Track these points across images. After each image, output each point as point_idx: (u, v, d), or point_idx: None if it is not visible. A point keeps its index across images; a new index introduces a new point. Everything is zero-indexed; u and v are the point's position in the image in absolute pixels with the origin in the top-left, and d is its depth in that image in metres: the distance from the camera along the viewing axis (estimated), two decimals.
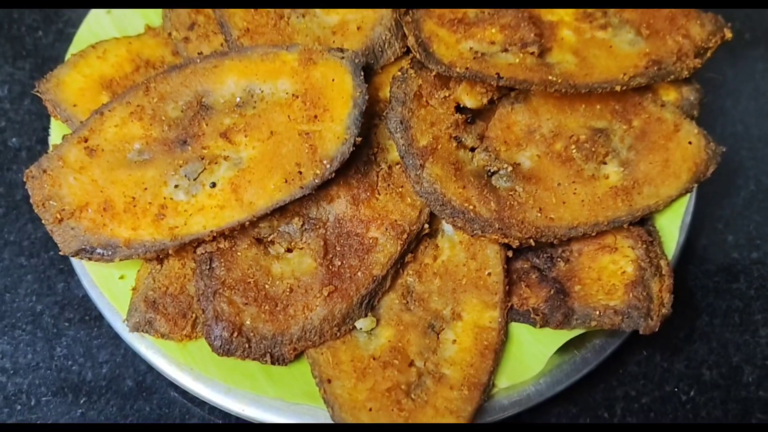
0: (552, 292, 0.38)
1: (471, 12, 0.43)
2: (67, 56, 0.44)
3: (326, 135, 0.38)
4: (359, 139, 0.38)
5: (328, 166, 0.38)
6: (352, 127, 0.38)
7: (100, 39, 0.45)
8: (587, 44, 0.43)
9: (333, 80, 0.39)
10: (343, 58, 0.40)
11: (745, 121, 0.47)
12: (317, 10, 0.43)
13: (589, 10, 0.44)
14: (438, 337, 0.38)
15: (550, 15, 0.44)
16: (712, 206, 0.44)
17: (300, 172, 0.38)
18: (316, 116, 0.39)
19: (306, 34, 0.42)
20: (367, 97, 0.39)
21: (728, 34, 0.45)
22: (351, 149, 0.38)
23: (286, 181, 0.38)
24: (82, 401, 0.40)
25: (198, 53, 0.44)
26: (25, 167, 0.41)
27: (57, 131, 0.43)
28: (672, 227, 0.41)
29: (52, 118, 0.43)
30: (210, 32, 0.44)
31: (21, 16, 0.49)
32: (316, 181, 0.38)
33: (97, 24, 0.46)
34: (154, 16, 0.46)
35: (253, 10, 0.43)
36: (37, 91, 0.42)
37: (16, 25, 0.49)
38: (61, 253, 0.38)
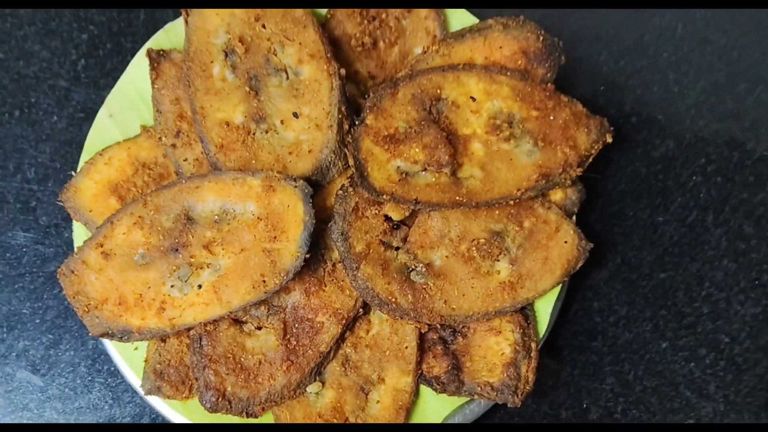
0: (449, 367, 0.53)
1: (401, 128, 0.54)
2: (80, 163, 0.56)
3: (283, 252, 0.51)
4: (308, 255, 0.50)
5: (285, 276, 0.51)
6: (303, 246, 0.51)
7: (106, 141, 0.57)
8: (492, 157, 0.54)
9: (288, 206, 0.52)
10: (296, 187, 0.52)
11: (621, 201, 0.59)
12: (277, 127, 0.54)
13: (498, 122, 0.55)
14: (366, 398, 0.53)
15: (465, 128, 0.55)
16: (585, 277, 0.57)
17: (264, 281, 0.51)
18: (275, 237, 0.51)
19: (268, 150, 0.54)
20: (314, 221, 0.51)
21: (609, 139, 0.56)
22: (303, 263, 0.51)
23: (254, 287, 0.51)
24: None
25: (183, 159, 0.55)
26: (55, 242, 0.55)
27: (78, 231, 0.56)
28: (545, 312, 0.55)
29: (74, 221, 0.55)
30: (192, 140, 0.56)
31: (37, 101, 0.60)
32: (276, 288, 0.51)
33: (102, 127, 0.57)
34: (148, 116, 0.57)
35: (225, 126, 0.54)
36: (60, 201, 0.54)
37: (34, 109, 0.60)
38: (89, 334, 0.51)
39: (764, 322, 0.58)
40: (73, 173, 0.57)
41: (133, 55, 0.61)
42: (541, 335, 0.55)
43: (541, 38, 0.58)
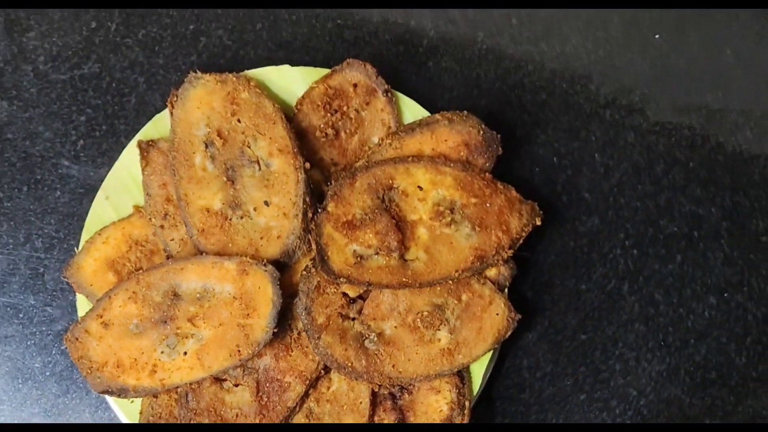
0: (396, 420, 0.62)
1: (357, 215, 0.63)
2: (82, 242, 0.64)
3: (255, 327, 0.61)
4: (276, 329, 0.60)
5: (257, 347, 0.61)
6: (272, 322, 0.61)
7: (103, 221, 0.67)
8: (435, 241, 0.63)
9: (259, 288, 0.61)
10: (266, 271, 0.61)
11: (550, 272, 0.69)
12: (251, 213, 0.62)
13: (441, 209, 0.64)
14: None
15: (412, 215, 0.64)
16: (517, 338, 0.67)
17: (239, 350, 0.61)
18: (248, 314, 0.61)
19: (243, 235, 0.63)
20: (281, 300, 0.61)
21: (538, 222, 0.65)
22: (271, 336, 0.60)
23: (230, 355, 0.61)
24: None
25: (170, 239, 0.64)
26: (62, 305, 0.64)
27: (81, 302, 0.65)
28: (478, 374, 0.65)
29: (77, 293, 0.64)
30: (178, 222, 0.65)
31: (42, 177, 0.69)
32: (250, 356, 0.61)
33: (100, 208, 0.67)
34: (140, 197, 0.66)
35: (206, 212, 0.62)
36: (65, 277, 0.63)
37: (40, 185, 0.69)
38: (92, 390, 0.61)
39: (667, 378, 0.68)
40: (75, 249, 0.67)
41: (125, 137, 0.71)
42: (474, 393, 0.65)
43: (482, 132, 0.67)
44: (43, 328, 0.69)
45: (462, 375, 0.66)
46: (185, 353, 0.63)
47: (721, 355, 0.70)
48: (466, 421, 0.64)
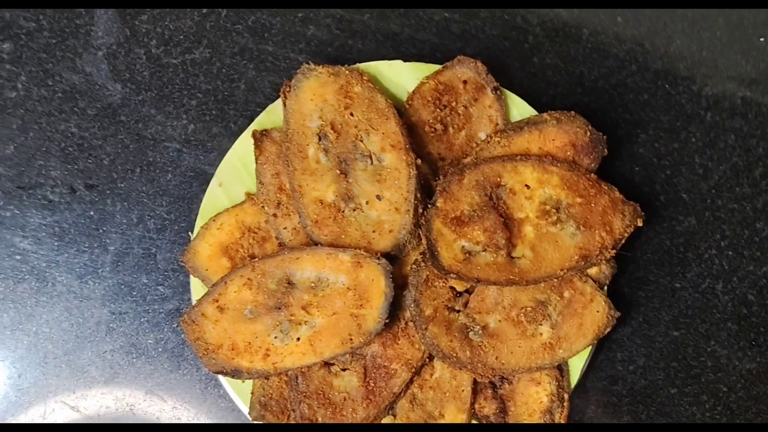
0: (497, 409, 0.64)
1: (466, 211, 0.64)
2: (196, 227, 0.67)
3: (368, 318, 0.63)
4: (387, 320, 0.62)
5: (369, 337, 0.63)
6: (384, 313, 0.63)
7: (217, 207, 0.68)
8: (541, 239, 0.65)
9: (373, 280, 0.63)
10: (380, 264, 0.62)
11: (646, 269, 0.70)
12: (363, 207, 0.64)
13: (547, 208, 0.65)
14: None
15: (519, 213, 0.65)
16: (612, 332, 0.68)
17: (351, 339, 0.63)
18: (362, 305, 0.63)
19: (356, 227, 0.64)
20: (393, 293, 0.62)
21: (640, 223, 0.66)
22: (382, 326, 0.62)
23: (342, 343, 0.63)
24: None
25: (283, 228, 0.66)
26: (173, 284, 0.67)
27: (195, 285, 0.67)
28: (577, 368, 0.67)
29: (191, 276, 0.66)
30: (291, 212, 0.67)
31: (154, 160, 0.70)
32: (361, 345, 0.63)
33: (213, 195, 0.69)
34: (252, 184, 0.67)
35: (319, 203, 0.64)
36: (182, 261, 0.65)
37: (152, 168, 0.71)
38: (206, 371, 0.63)
39: (757, 376, 0.70)
40: (190, 233, 0.68)
41: (234, 122, 0.72)
42: (572, 386, 0.67)
43: (589, 133, 0.68)
44: (156, 306, 0.72)
45: (561, 368, 0.68)
46: (298, 339, 0.65)
47: None
48: (565, 413, 0.66)
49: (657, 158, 0.73)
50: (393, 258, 0.67)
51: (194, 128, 0.73)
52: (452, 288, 0.67)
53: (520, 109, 0.71)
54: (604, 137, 0.67)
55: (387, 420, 0.67)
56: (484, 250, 0.66)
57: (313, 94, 0.68)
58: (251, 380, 0.69)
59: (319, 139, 0.68)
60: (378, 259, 0.65)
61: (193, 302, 0.69)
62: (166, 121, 0.73)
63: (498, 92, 0.70)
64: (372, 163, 0.67)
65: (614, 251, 0.67)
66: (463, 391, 0.68)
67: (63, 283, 0.72)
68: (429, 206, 0.66)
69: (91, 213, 0.73)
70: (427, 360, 0.68)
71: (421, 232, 0.66)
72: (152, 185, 0.73)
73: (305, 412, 0.66)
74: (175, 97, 0.73)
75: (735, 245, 0.72)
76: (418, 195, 0.66)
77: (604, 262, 0.68)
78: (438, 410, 0.68)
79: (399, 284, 0.67)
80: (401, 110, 0.70)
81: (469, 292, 0.68)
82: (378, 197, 0.67)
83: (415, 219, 0.66)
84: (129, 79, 0.73)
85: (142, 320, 0.72)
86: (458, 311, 0.67)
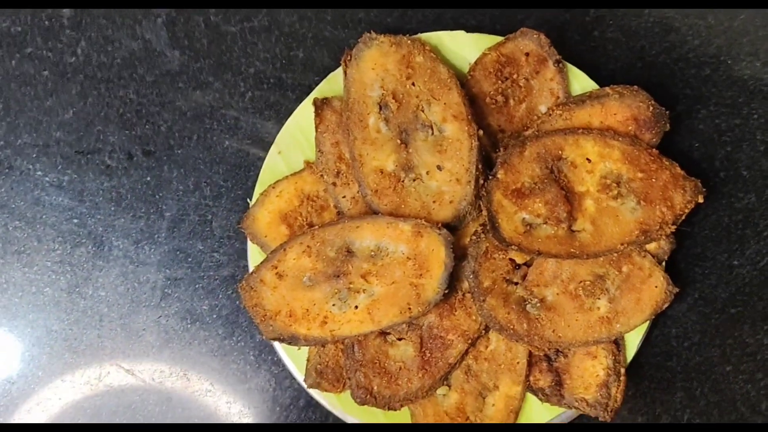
0: (552, 382, 0.64)
1: (526, 184, 0.64)
2: (255, 194, 0.66)
3: (427, 287, 0.62)
4: (446, 291, 0.61)
5: (427, 306, 0.63)
6: (443, 283, 0.62)
7: (276, 175, 0.68)
8: (602, 213, 0.64)
9: (433, 250, 0.62)
10: (440, 235, 0.62)
11: (703, 245, 0.70)
12: (423, 177, 0.63)
13: (608, 182, 0.64)
14: (484, 401, 0.65)
15: (580, 186, 0.64)
16: (668, 307, 0.67)
17: (410, 308, 0.63)
18: (421, 275, 0.62)
19: (415, 198, 0.64)
20: (453, 263, 0.62)
21: (701, 200, 0.65)
22: (441, 297, 0.62)
23: (401, 312, 0.63)
24: (277, 409, 0.68)
25: (342, 196, 0.65)
26: (228, 251, 0.67)
27: (253, 252, 0.67)
28: (633, 343, 0.66)
29: (249, 241, 0.66)
30: (350, 181, 0.66)
31: (211, 127, 0.70)
32: (420, 315, 0.63)
33: (273, 162, 0.68)
34: (311, 153, 0.67)
35: (379, 173, 0.63)
36: (241, 227, 0.65)
37: (209, 135, 0.71)
38: (263, 338, 0.63)
39: None
40: (248, 200, 0.68)
41: (292, 91, 0.72)
42: (628, 360, 0.67)
43: (651, 108, 0.67)
44: (211, 273, 0.72)
45: (618, 342, 0.68)
46: (356, 307, 0.65)
47: None
48: (621, 387, 0.66)
49: (717, 134, 0.72)
50: (453, 229, 0.67)
51: (252, 96, 0.73)
52: (511, 260, 0.67)
53: (581, 82, 0.70)
54: (667, 112, 0.66)
55: (442, 391, 0.67)
56: (545, 223, 0.66)
57: (375, 63, 0.68)
58: (307, 348, 0.69)
59: (380, 109, 0.67)
60: (439, 229, 0.65)
61: (250, 269, 0.69)
62: (223, 88, 0.73)
63: (560, 65, 0.69)
64: (433, 133, 0.67)
65: (674, 227, 0.66)
66: (518, 363, 0.68)
67: (119, 248, 0.72)
68: (490, 178, 0.66)
69: (148, 179, 0.73)
70: (483, 332, 0.67)
71: (481, 204, 0.66)
72: (209, 152, 0.73)
73: (361, 381, 0.66)
74: (233, 65, 0.73)
75: None
76: (479, 166, 0.66)
77: (663, 237, 0.67)
78: (493, 382, 0.68)
79: (458, 255, 0.67)
80: (462, 81, 0.69)
81: (527, 264, 0.67)
82: (439, 168, 0.66)
83: (475, 190, 0.66)
84: (187, 47, 0.73)
85: (197, 286, 0.72)
86: (516, 284, 0.67)
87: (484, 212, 0.66)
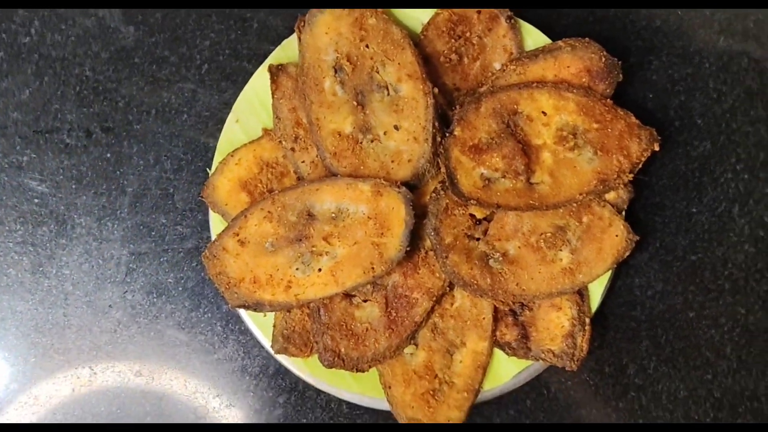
0: (519, 335, 0.64)
1: (483, 139, 0.64)
2: (215, 164, 0.66)
3: (389, 246, 0.62)
4: (408, 248, 0.61)
5: (390, 265, 0.63)
6: (405, 241, 0.62)
7: (234, 143, 0.68)
8: (559, 165, 0.65)
9: (393, 208, 0.63)
10: (400, 193, 0.62)
11: (662, 194, 0.70)
12: (381, 137, 0.63)
13: (564, 134, 0.64)
14: (451, 358, 0.65)
15: (536, 139, 0.64)
16: (629, 257, 0.67)
17: (373, 268, 0.63)
18: (382, 233, 0.62)
19: (374, 158, 0.64)
20: (414, 221, 0.62)
21: (656, 147, 0.66)
22: (403, 254, 0.62)
23: (364, 273, 0.63)
24: (246, 378, 0.68)
25: (301, 161, 0.65)
26: (191, 224, 0.66)
27: (215, 220, 0.67)
28: (597, 293, 0.67)
29: (210, 211, 0.65)
30: (309, 146, 0.66)
31: (169, 101, 0.71)
32: (383, 274, 0.63)
33: (231, 131, 0.68)
34: (268, 120, 0.67)
35: (337, 136, 0.63)
36: (201, 196, 0.65)
37: (167, 108, 0.71)
38: (228, 306, 0.63)
39: None
40: (208, 169, 0.68)
41: (248, 61, 0.72)
42: (593, 310, 0.67)
43: (603, 59, 0.67)
44: (175, 246, 0.71)
45: (581, 293, 0.68)
46: (319, 270, 0.65)
47: None
48: (587, 336, 0.66)
49: (671, 84, 0.72)
50: (412, 187, 0.66)
51: (208, 68, 0.72)
52: (472, 216, 0.67)
53: (534, 38, 0.70)
54: (619, 62, 0.67)
55: (409, 350, 0.67)
56: (503, 177, 0.66)
57: (328, 27, 0.67)
58: (273, 314, 0.69)
59: (335, 72, 0.67)
60: (398, 187, 0.65)
61: (213, 239, 0.69)
62: (179, 62, 0.73)
63: (512, 21, 0.69)
64: (389, 93, 0.67)
65: (631, 175, 0.67)
66: (484, 318, 0.68)
67: (82, 226, 0.72)
68: (447, 135, 0.66)
69: (108, 155, 0.72)
70: (448, 289, 0.67)
71: (439, 161, 0.66)
72: (168, 126, 0.72)
73: (328, 344, 0.66)
74: (188, 38, 0.73)
75: (750, 168, 0.71)
76: (436, 124, 0.66)
77: (621, 186, 0.67)
78: (459, 338, 0.68)
79: (419, 214, 0.67)
80: (416, 41, 0.69)
81: (488, 219, 0.67)
82: (396, 127, 0.66)
83: (433, 148, 0.66)
84: (142, 21, 0.73)
85: (161, 260, 0.72)
86: (478, 239, 0.67)
87: (443, 169, 0.65)
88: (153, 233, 0.72)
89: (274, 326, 0.68)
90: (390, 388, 0.67)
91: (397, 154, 0.66)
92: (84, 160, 0.72)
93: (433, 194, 0.66)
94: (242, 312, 0.69)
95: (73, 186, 0.72)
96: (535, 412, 0.70)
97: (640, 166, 0.67)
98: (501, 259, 0.66)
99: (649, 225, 0.71)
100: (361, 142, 0.67)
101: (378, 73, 0.67)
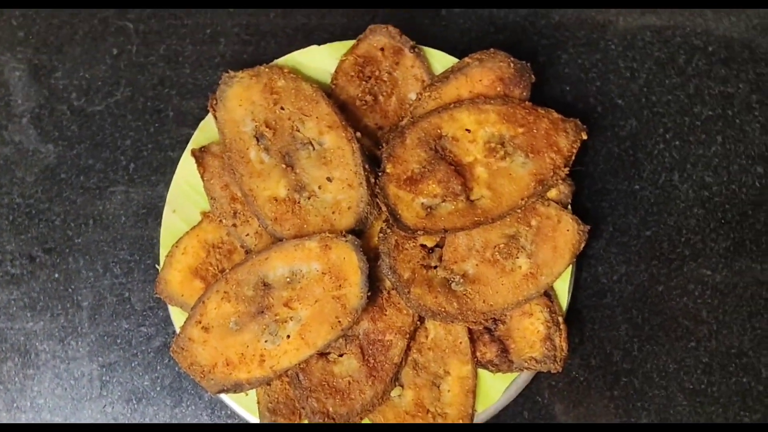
0: (498, 351, 0.64)
1: (416, 170, 0.64)
2: (162, 259, 0.65)
3: (350, 296, 0.62)
4: (369, 293, 0.61)
5: (355, 314, 0.62)
6: (364, 287, 0.62)
7: (175, 234, 0.68)
8: (495, 176, 0.65)
9: (345, 258, 0.62)
10: (347, 241, 0.62)
11: (602, 179, 0.70)
12: (317, 192, 0.63)
13: (492, 145, 0.65)
14: (439, 389, 0.65)
15: (467, 157, 0.65)
16: (587, 248, 0.68)
17: (339, 321, 0.62)
18: (340, 285, 0.62)
19: (315, 214, 0.64)
20: (368, 265, 0.61)
21: (584, 136, 0.66)
22: (366, 300, 0.61)
23: (332, 328, 0.62)
24: None
25: (245, 235, 0.65)
26: (154, 322, 0.65)
27: (176, 314, 0.66)
28: (563, 289, 0.67)
29: (169, 306, 0.65)
30: (249, 218, 0.66)
31: (104, 207, 0.70)
32: (351, 325, 0.62)
33: (170, 222, 0.68)
34: (204, 204, 0.67)
35: (274, 201, 0.63)
36: (156, 294, 0.64)
37: (104, 215, 0.70)
38: (208, 393, 0.62)
39: (735, 251, 0.70)
40: (157, 265, 0.67)
41: (172, 150, 0.72)
42: (564, 308, 0.67)
43: (512, 64, 0.68)
44: (143, 348, 0.70)
45: (549, 294, 0.68)
46: (288, 336, 0.64)
47: None
48: (564, 335, 0.66)
49: (583, 73, 0.73)
50: (359, 233, 0.66)
51: (135, 166, 0.72)
52: (423, 246, 0.67)
53: (440, 61, 0.70)
54: (528, 64, 0.67)
55: (396, 392, 0.66)
56: (444, 201, 0.66)
57: (240, 99, 0.68)
58: (254, 390, 0.68)
59: (258, 140, 0.67)
60: (345, 236, 0.65)
61: (177, 331, 0.68)
62: (106, 167, 0.72)
63: (416, 50, 0.70)
64: (314, 148, 0.67)
65: (567, 169, 0.67)
66: (461, 342, 0.67)
67: (46, 351, 0.70)
68: (380, 174, 0.66)
69: (56, 275, 0.71)
70: (419, 323, 0.67)
71: (378, 201, 0.66)
72: (108, 232, 0.72)
73: (314, 406, 0.65)
74: (109, 142, 0.73)
75: (679, 134, 0.72)
76: (367, 167, 0.66)
77: (560, 182, 0.67)
78: (442, 368, 0.67)
79: (371, 257, 0.66)
80: (329, 92, 0.69)
81: (440, 246, 0.67)
82: (329, 179, 0.66)
83: (370, 190, 0.66)
84: (59, 137, 0.72)
85: (133, 365, 0.70)
86: (435, 267, 0.67)
87: (384, 208, 0.65)
88: (119, 341, 0.71)
89: (258, 402, 0.67)
90: None
91: (336, 205, 0.66)
92: (33, 286, 0.71)
93: (381, 234, 0.66)
94: (224, 396, 0.68)
95: (28, 314, 0.71)
96: (534, 422, 0.70)
97: (574, 158, 0.67)
98: (462, 280, 0.66)
99: (598, 212, 0.72)
100: (298, 202, 0.66)
101: (299, 131, 0.67)
